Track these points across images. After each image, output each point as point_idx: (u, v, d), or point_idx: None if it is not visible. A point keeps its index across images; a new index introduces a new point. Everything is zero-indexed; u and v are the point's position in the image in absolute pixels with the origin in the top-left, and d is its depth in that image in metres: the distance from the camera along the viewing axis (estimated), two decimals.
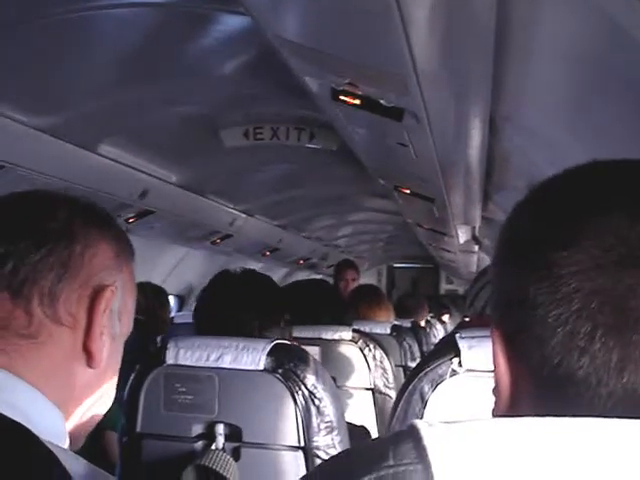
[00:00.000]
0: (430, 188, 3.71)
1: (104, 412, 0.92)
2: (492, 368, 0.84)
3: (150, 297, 4.01)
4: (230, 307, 1.88)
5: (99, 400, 0.89)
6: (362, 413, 2.90)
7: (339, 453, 0.63)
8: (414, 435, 0.56)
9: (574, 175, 0.67)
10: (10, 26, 2.01)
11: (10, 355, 0.77)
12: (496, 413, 0.68)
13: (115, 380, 0.92)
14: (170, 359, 1.76)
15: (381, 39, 1.51)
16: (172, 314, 4.98)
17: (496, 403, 0.69)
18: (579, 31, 1.32)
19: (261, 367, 1.71)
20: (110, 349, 0.86)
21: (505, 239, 0.69)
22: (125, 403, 1.81)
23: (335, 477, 0.57)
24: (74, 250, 0.83)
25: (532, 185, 0.70)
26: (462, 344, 1.55)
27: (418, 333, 4.61)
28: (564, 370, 0.60)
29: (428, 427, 0.56)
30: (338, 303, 3.10)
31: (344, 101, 2.13)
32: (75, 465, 0.68)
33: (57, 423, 0.78)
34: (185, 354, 1.75)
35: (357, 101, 2.12)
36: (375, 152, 3.11)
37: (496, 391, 0.68)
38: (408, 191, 4.11)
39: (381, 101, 2.09)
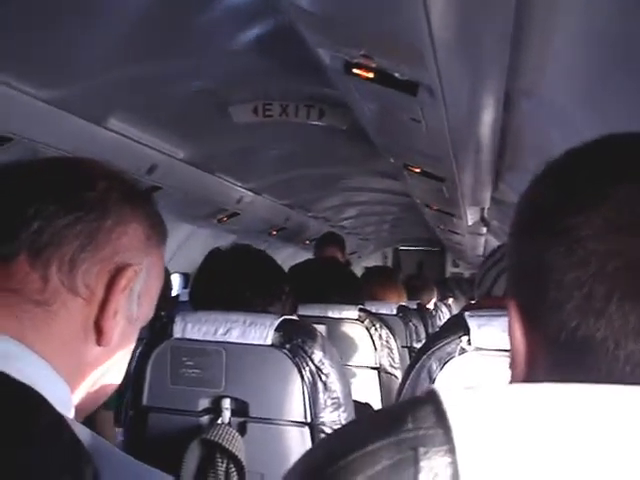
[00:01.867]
0: (441, 167, 3.68)
1: (111, 389, 0.90)
2: (500, 347, 0.82)
3: None
4: (226, 282, 1.86)
5: (106, 374, 0.87)
6: (367, 392, 2.90)
7: (355, 419, 0.62)
8: (433, 399, 0.56)
9: (592, 147, 0.68)
10: None
11: (22, 322, 0.76)
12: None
13: (126, 359, 0.90)
14: (177, 333, 1.76)
15: (397, 7, 1.48)
16: (178, 292, 5.00)
17: (512, 376, 0.68)
18: (601, 3, 1.30)
19: (269, 342, 1.70)
20: (124, 330, 0.84)
21: (523, 208, 0.70)
22: (131, 377, 1.81)
23: (352, 442, 0.56)
24: (104, 224, 0.81)
25: (550, 159, 0.70)
26: (471, 322, 1.55)
27: (424, 315, 4.61)
28: (581, 334, 0.60)
29: (447, 391, 0.56)
30: (350, 284, 3.09)
31: (357, 75, 2.10)
32: (82, 433, 0.68)
33: (64, 395, 0.77)
34: (192, 328, 1.75)
35: (371, 74, 2.08)
36: (387, 129, 3.08)
37: (512, 365, 0.68)
38: (418, 170, 4.08)
39: (395, 74, 2.06)
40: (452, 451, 0.53)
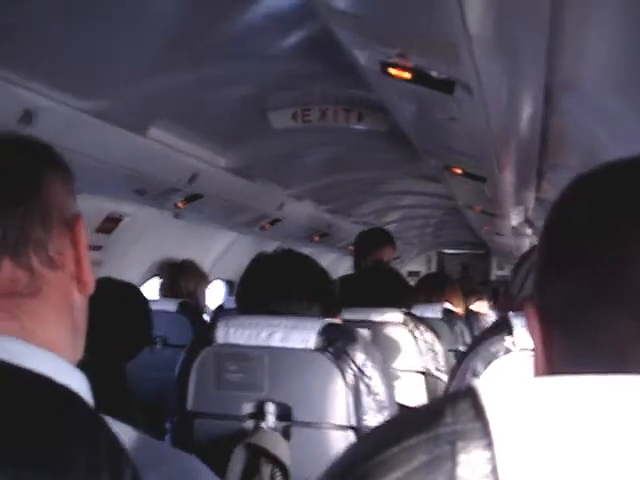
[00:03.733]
0: (482, 167, 3.64)
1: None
2: None
3: (194, 281, 4.06)
4: (270, 286, 1.87)
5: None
6: (413, 396, 2.88)
7: (393, 416, 0.62)
8: (471, 394, 0.55)
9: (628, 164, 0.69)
10: (59, 7, 2.02)
11: (22, 319, 0.79)
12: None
13: None
14: (220, 338, 1.77)
15: (431, 4, 1.46)
16: (223, 300, 5.04)
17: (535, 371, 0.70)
18: None
19: (311, 346, 1.70)
20: None
21: (553, 220, 0.72)
22: (176, 382, 1.82)
23: (389, 437, 0.56)
24: (41, 194, 0.84)
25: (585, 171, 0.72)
26: (515, 322, 1.53)
27: (470, 318, 4.58)
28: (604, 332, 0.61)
29: (485, 386, 0.55)
30: (402, 289, 3.09)
31: (393, 75, 2.09)
32: (123, 430, 0.68)
33: (82, 384, 0.77)
34: (235, 333, 1.76)
35: (407, 74, 2.07)
36: (425, 129, 3.06)
37: (534, 361, 0.70)
38: (459, 171, 4.05)
39: (432, 73, 2.05)
40: (490, 445, 0.52)
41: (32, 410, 0.64)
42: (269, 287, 1.87)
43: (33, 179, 0.84)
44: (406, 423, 0.58)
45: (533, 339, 0.69)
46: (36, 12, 1.98)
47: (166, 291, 4.01)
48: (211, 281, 4.33)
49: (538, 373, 0.69)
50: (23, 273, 0.80)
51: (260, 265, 1.95)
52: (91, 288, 0.87)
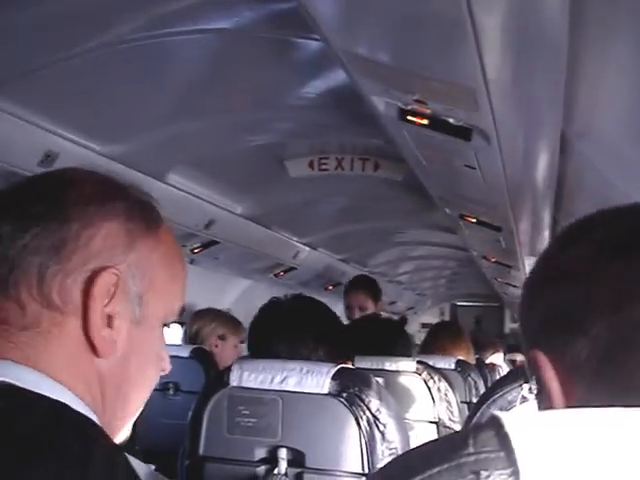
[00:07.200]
0: (497, 216, 3.65)
1: (139, 402, 0.85)
2: None
3: (201, 329, 4.02)
4: (275, 328, 1.88)
5: (128, 387, 0.82)
6: None
7: (417, 445, 0.62)
8: (495, 424, 0.55)
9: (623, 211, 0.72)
10: (87, 55, 2.07)
11: (21, 348, 0.73)
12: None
13: (149, 366, 0.84)
14: (234, 381, 1.75)
15: (451, 51, 1.49)
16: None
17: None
18: None
19: (325, 391, 1.68)
20: (130, 335, 0.79)
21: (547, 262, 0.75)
22: (189, 425, 1.81)
23: (412, 466, 0.55)
24: (68, 232, 0.76)
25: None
26: None
27: (483, 369, 4.53)
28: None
29: (509, 417, 0.55)
30: (404, 339, 3.08)
31: (412, 121, 2.12)
32: (134, 462, 0.68)
33: (94, 417, 0.74)
34: (249, 376, 1.74)
35: (425, 121, 2.10)
36: (442, 177, 3.08)
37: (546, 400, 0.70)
38: (474, 220, 4.05)
39: (450, 120, 2.07)
40: (516, 474, 0.51)
41: (51, 438, 0.64)
42: (272, 330, 1.88)
43: (64, 209, 0.77)
44: (431, 452, 0.57)
45: (547, 384, 0.69)
46: (62, 57, 2.02)
47: (189, 338, 3.98)
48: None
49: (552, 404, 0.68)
50: (13, 305, 0.74)
51: (267, 309, 1.96)
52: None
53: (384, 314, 8.97)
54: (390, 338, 3.00)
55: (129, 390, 0.82)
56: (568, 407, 0.67)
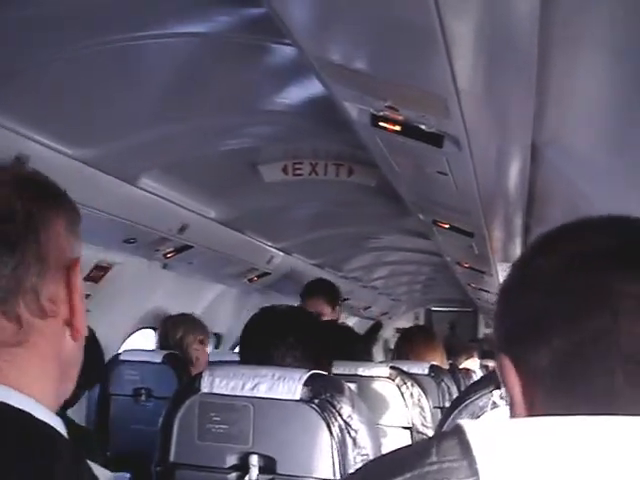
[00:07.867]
0: (470, 222, 3.68)
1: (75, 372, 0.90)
2: None
3: (186, 335, 3.99)
4: (256, 338, 1.89)
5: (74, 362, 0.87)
6: None
7: (381, 455, 0.62)
8: (458, 433, 0.56)
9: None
10: (58, 58, 2.05)
11: (2, 368, 0.76)
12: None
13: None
14: (205, 387, 1.74)
15: (422, 58, 1.50)
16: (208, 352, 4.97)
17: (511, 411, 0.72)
18: (628, 43, 1.30)
19: (297, 397, 1.68)
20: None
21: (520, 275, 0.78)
22: (159, 432, 1.79)
23: (378, 474, 0.55)
24: (40, 239, 0.81)
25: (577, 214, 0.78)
26: None
27: (457, 375, 4.55)
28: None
29: (472, 425, 0.56)
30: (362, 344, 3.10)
31: (384, 127, 2.13)
32: (99, 470, 0.67)
33: (62, 429, 0.76)
34: (220, 383, 1.73)
35: (397, 127, 2.11)
36: (414, 183, 3.10)
37: (512, 409, 0.72)
38: (447, 225, 4.08)
39: (421, 126, 2.08)
40: None
41: (20, 449, 0.64)
42: (255, 339, 1.90)
43: (31, 223, 0.80)
44: (393, 462, 0.58)
45: (510, 389, 0.71)
46: (35, 61, 2.00)
47: (160, 343, 3.96)
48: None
49: (516, 417, 0.70)
50: (10, 323, 0.78)
51: (254, 319, 1.99)
52: (83, 334, 0.84)
53: (358, 320, 8.98)
54: (351, 345, 3.01)
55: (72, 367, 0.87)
56: (529, 413, 0.68)
